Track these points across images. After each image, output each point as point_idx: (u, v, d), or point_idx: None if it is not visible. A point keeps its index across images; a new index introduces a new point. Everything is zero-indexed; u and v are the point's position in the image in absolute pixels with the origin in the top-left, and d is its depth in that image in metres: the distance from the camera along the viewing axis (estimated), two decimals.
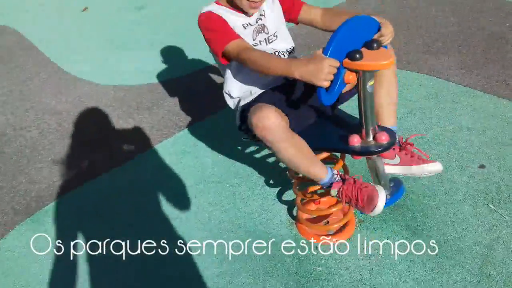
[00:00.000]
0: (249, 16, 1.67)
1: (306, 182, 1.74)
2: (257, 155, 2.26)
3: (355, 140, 1.51)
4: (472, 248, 1.74)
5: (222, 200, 2.06)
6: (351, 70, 1.38)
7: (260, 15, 1.69)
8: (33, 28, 3.94)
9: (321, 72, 1.30)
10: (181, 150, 2.38)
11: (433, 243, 1.77)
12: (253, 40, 1.67)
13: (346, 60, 1.36)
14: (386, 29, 1.48)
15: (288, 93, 1.64)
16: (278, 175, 2.11)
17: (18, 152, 2.50)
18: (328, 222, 1.89)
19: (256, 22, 1.68)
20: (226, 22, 1.60)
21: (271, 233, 1.89)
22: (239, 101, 1.71)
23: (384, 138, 1.50)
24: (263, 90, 1.67)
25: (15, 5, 4.51)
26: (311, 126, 1.66)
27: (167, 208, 2.04)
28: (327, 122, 1.67)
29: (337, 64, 1.33)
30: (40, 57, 3.45)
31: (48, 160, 2.42)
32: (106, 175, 2.26)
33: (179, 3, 4.10)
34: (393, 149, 1.66)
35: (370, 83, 1.43)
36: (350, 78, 1.39)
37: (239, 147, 2.33)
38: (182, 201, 2.07)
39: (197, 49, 3.02)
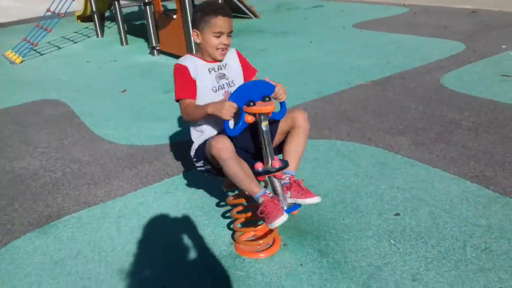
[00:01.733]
0: (219, 61, 2.29)
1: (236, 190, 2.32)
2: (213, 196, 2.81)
3: (258, 166, 2.10)
4: (364, 268, 2.15)
5: (185, 226, 2.60)
6: (248, 113, 2.03)
7: (222, 66, 2.32)
8: (79, 103, 4.86)
9: (223, 109, 1.97)
10: (164, 191, 2.98)
11: (334, 262, 2.20)
12: (217, 83, 2.28)
13: (245, 106, 2.01)
14: (278, 89, 2.14)
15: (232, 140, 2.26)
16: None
17: (43, 186, 3.19)
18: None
19: (219, 69, 2.31)
20: (188, 75, 2.22)
21: (214, 249, 2.39)
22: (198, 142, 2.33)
23: (277, 164, 2.09)
24: (215, 133, 2.29)
25: (69, 85, 5.56)
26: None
27: (150, 233, 2.60)
28: (245, 153, 2.27)
29: (235, 105, 1.99)
30: (79, 124, 4.29)
31: (64, 192, 3.08)
32: (100, 205, 2.88)
33: None
34: (287, 187, 2.21)
35: (265, 123, 2.06)
36: (249, 119, 2.05)
37: (206, 191, 2.90)
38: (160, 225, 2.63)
39: None
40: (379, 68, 5.14)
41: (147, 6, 6.54)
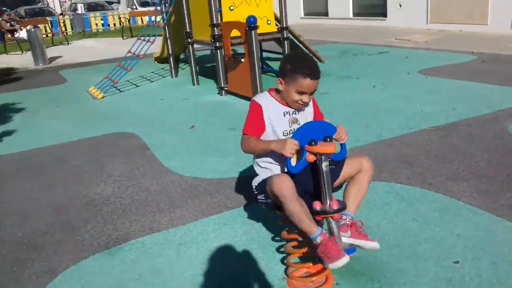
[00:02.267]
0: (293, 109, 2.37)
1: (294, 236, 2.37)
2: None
3: (316, 205, 2.17)
4: None
5: (240, 258, 2.70)
6: (310, 152, 2.11)
7: (296, 112, 2.39)
8: (151, 136, 5.20)
9: (286, 145, 2.10)
10: (223, 222, 3.11)
11: None
12: (289, 127, 2.37)
13: (307, 145, 2.10)
14: (339, 129, 2.23)
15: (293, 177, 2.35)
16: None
17: (113, 211, 3.43)
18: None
19: (293, 114, 2.39)
20: (260, 115, 2.33)
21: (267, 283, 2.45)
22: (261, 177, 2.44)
23: (335, 205, 2.14)
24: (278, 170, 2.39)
25: (144, 120, 5.97)
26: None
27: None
28: (305, 193, 2.34)
29: (296, 143, 2.10)
30: (149, 156, 4.58)
31: (131, 218, 3.30)
32: (163, 231, 3.05)
33: None
34: (347, 226, 2.24)
35: (325, 163, 2.13)
36: (310, 158, 2.14)
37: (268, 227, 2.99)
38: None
39: None
40: (444, 114, 5.08)
41: (218, 50, 6.94)
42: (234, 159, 4.26)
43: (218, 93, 7.18)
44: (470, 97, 5.74)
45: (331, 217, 2.19)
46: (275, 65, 8.56)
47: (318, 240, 2.17)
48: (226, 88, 7.08)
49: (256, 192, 2.47)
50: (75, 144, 5.16)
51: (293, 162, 2.20)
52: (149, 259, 2.77)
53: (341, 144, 2.32)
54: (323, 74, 7.09)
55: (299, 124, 2.39)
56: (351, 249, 2.23)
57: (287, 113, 2.38)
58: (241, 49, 7.28)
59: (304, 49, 8.68)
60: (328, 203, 2.17)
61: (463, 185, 3.36)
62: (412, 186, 3.42)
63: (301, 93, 2.28)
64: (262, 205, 2.46)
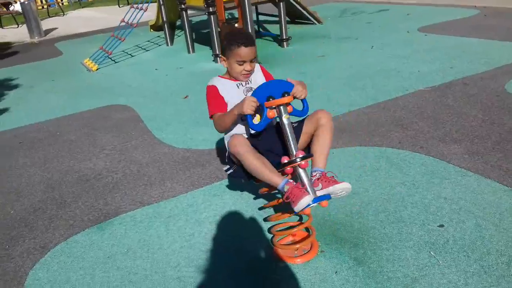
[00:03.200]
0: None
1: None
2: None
3: (284, 159, 2.19)
4: (399, 279, 2.13)
5: (228, 228, 2.72)
6: (269, 108, 2.18)
7: (249, 81, 2.50)
8: (145, 108, 5.17)
9: (244, 104, 2.14)
10: (213, 193, 3.12)
11: (369, 271, 2.20)
12: (245, 95, 2.40)
13: (266, 102, 2.17)
14: (297, 86, 2.24)
15: (253, 141, 2.36)
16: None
17: (105, 186, 3.45)
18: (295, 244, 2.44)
19: (246, 84, 2.49)
20: (217, 93, 2.43)
21: (254, 251, 2.47)
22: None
23: (300, 154, 2.16)
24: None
25: (138, 91, 5.92)
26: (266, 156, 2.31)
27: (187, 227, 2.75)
28: (274, 155, 2.34)
29: (254, 99, 2.15)
30: (142, 128, 4.57)
31: (122, 192, 3.32)
32: (154, 204, 3.07)
33: None
34: (318, 179, 2.23)
35: (286, 116, 2.18)
36: (270, 114, 2.19)
37: (251, 196, 2.99)
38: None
39: None
40: (441, 74, 4.97)
41: (211, 16, 6.79)
42: None
43: (213, 60, 7.08)
44: (469, 54, 5.60)
45: (298, 165, 2.16)
46: (274, 29, 8.38)
47: (285, 189, 2.16)
48: (220, 55, 6.95)
49: (226, 168, 2.52)
50: (69, 118, 5.15)
51: (255, 121, 2.25)
52: (139, 232, 2.80)
53: (302, 101, 2.32)
54: (321, 35, 6.91)
55: None
56: (324, 196, 2.18)
57: (240, 84, 2.49)
58: (237, 13, 7.12)
59: (302, 10, 8.48)
60: (294, 153, 2.17)
61: (454, 147, 3.31)
62: (403, 150, 3.38)
63: (241, 62, 2.39)
64: (233, 178, 2.51)
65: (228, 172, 2.46)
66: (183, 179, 3.40)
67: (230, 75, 2.51)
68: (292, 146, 2.19)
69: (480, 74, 4.82)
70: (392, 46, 6.47)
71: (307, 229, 2.54)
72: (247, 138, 2.37)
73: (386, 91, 4.66)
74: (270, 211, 2.78)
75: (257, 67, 2.57)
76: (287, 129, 2.18)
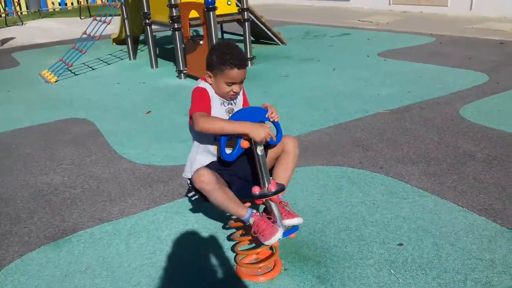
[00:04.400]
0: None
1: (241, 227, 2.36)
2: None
3: (255, 190, 2.18)
4: None
5: (190, 246, 2.68)
6: (244, 139, 2.14)
7: (233, 102, 2.40)
8: (105, 122, 5.07)
9: (261, 131, 2.11)
10: (175, 210, 3.08)
11: None
12: (226, 116, 2.33)
13: None
14: (270, 109, 2.25)
15: (220, 167, 2.33)
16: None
17: (62, 201, 3.33)
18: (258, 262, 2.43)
19: (228, 104, 2.38)
20: (208, 98, 2.26)
21: (216, 270, 2.45)
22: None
23: (273, 188, 2.16)
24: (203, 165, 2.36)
25: (98, 105, 5.80)
26: (233, 184, 2.32)
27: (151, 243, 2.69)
28: (241, 181, 2.34)
29: (273, 133, 2.14)
30: (102, 142, 4.47)
31: (81, 208, 3.22)
32: (113, 221, 2.99)
33: None
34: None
35: (260, 148, 2.16)
36: (244, 144, 2.15)
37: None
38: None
39: None
40: (399, 97, 5.16)
41: (176, 32, 6.79)
42: (190, 145, 4.15)
43: (177, 76, 7.05)
44: (426, 79, 5.84)
45: (270, 199, 2.19)
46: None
47: (251, 221, 2.19)
48: (185, 71, 6.95)
49: (190, 186, 2.42)
50: (25, 131, 4.97)
51: (227, 150, 2.19)
52: (97, 250, 2.71)
53: (276, 127, 2.32)
54: (284, 56, 7.04)
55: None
56: (292, 228, 2.24)
57: (222, 103, 2.37)
58: (202, 31, 7.15)
59: (266, 30, 8.61)
60: (267, 186, 2.18)
61: (412, 168, 3.43)
62: (364, 169, 3.47)
63: (230, 84, 2.27)
64: (196, 201, 2.45)
65: (193, 198, 2.41)
66: (144, 195, 3.34)
67: (215, 89, 2.34)
68: (265, 178, 2.19)
69: (436, 99, 5.04)
70: (353, 69, 6.67)
71: (270, 248, 2.55)
72: (212, 162, 2.34)
73: (347, 113, 4.78)
74: (233, 229, 2.77)
75: None
76: (261, 160, 2.17)
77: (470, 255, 2.40)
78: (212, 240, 2.72)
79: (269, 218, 2.22)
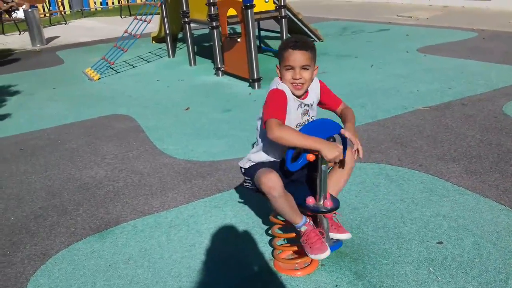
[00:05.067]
0: (297, 96, 2.24)
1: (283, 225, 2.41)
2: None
3: (310, 201, 2.19)
4: None
5: (229, 240, 2.74)
6: (311, 152, 2.09)
7: (310, 104, 2.30)
8: (146, 118, 5.21)
9: (333, 150, 2.04)
10: (214, 205, 3.14)
11: (369, 286, 2.22)
12: (302, 119, 2.28)
13: None
14: (356, 144, 2.19)
15: (281, 167, 2.33)
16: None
17: (106, 194, 3.47)
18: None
19: (304, 106, 2.28)
20: (285, 103, 2.15)
21: (254, 264, 2.49)
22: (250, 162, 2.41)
23: (329, 204, 2.15)
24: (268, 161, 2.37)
25: (139, 102, 5.96)
26: (290, 189, 2.27)
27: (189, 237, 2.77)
28: (300, 187, 2.35)
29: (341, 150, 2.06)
30: (143, 138, 4.60)
31: (123, 201, 3.34)
32: (155, 214, 3.09)
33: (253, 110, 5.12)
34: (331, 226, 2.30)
35: (324, 164, 2.12)
36: (310, 157, 2.10)
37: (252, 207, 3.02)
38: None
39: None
40: (439, 94, 5.05)
41: (214, 30, 6.88)
42: (227, 142, 4.28)
43: (214, 74, 7.14)
44: (467, 75, 5.69)
45: (323, 215, 2.21)
46: (274, 45, 8.48)
47: (303, 229, 2.21)
48: (222, 69, 7.04)
49: (245, 176, 2.48)
50: (70, 127, 5.18)
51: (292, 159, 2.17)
52: (140, 241, 2.81)
53: (342, 141, 2.20)
54: (322, 53, 6.96)
55: (308, 116, 2.31)
56: (338, 244, 2.27)
57: (299, 105, 2.26)
58: (240, 28, 7.22)
59: (303, 27, 8.59)
60: (322, 201, 2.18)
61: (453, 166, 3.36)
62: (403, 167, 3.43)
63: (290, 68, 2.18)
64: (249, 191, 2.47)
65: (249, 187, 2.42)
66: (184, 190, 3.42)
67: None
68: (322, 192, 2.18)
69: (478, 95, 4.90)
70: (391, 65, 6.57)
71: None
72: (273, 162, 2.33)
73: (385, 109, 4.73)
74: (271, 224, 2.81)
75: (316, 83, 2.35)
76: (323, 176, 2.14)
77: None
78: (250, 234, 2.77)
79: (321, 232, 2.24)
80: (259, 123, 2.37)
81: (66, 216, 3.19)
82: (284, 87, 2.21)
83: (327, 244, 2.22)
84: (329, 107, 2.44)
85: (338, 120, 2.32)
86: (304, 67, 2.18)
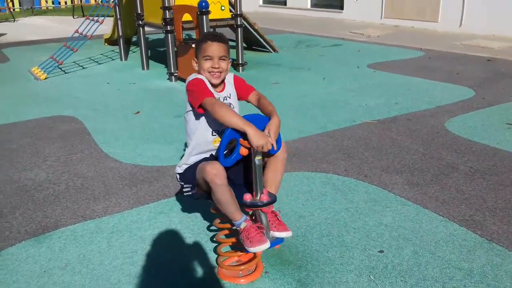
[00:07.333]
0: (215, 86, 2.33)
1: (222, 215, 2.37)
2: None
3: (247, 197, 2.17)
4: None
5: (172, 246, 2.68)
6: (244, 146, 2.10)
7: (227, 96, 2.37)
8: (93, 121, 5.05)
9: (262, 139, 2.07)
10: (159, 211, 3.07)
11: None
12: None
13: (241, 139, 2.09)
14: (272, 125, 2.20)
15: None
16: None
17: (45, 198, 3.31)
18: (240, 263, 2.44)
19: (224, 99, 2.35)
20: (206, 87, 2.24)
21: (197, 271, 2.45)
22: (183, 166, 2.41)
23: (265, 198, 2.14)
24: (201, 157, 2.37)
25: (87, 103, 5.77)
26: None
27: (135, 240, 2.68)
28: (238, 186, 2.33)
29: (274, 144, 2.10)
30: (89, 141, 4.45)
31: (64, 205, 3.19)
32: (96, 219, 2.98)
33: None
34: (272, 224, 2.28)
35: (258, 157, 2.12)
36: (243, 151, 2.11)
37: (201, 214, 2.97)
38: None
39: None
40: (387, 108, 5.22)
41: (169, 34, 6.80)
42: (177, 147, 4.21)
43: (167, 79, 7.05)
44: (413, 92, 5.92)
45: (261, 210, 2.20)
46: (230, 54, 8.48)
47: (242, 226, 2.19)
48: (176, 74, 6.96)
49: (182, 183, 2.44)
50: (12, 127, 4.93)
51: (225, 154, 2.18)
52: (79, 247, 2.70)
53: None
54: (275, 64, 7.05)
55: (232, 107, 2.36)
56: (278, 240, 2.25)
57: (218, 98, 2.31)
58: (194, 34, 7.18)
59: (259, 37, 8.66)
60: (259, 196, 2.18)
61: (396, 178, 3.47)
62: (349, 177, 3.50)
63: (208, 58, 2.29)
64: (190, 197, 2.43)
65: (189, 193, 2.40)
66: (128, 195, 3.33)
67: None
68: (258, 187, 2.18)
69: (423, 111, 5.11)
70: (343, 79, 6.73)
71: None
72: (207, 159, 2.33)
73: (335, 121, 4.82)
74: (216, 231, 2.77)
75: (230, 77, 2.45)
76: (257, 170, 2.14)
77: (449, 264, 2.43)
78: (195, 241, 2.72)
79: (260, 227, 2.22)
80: (187, 118, 2.39)
81: (1, 220, 3.02)
82: (202, 77, 2.32)
83: (268, 240, 2.19)
84: (241, 96, 2.47)
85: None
86: (221, 58, 2.32)
